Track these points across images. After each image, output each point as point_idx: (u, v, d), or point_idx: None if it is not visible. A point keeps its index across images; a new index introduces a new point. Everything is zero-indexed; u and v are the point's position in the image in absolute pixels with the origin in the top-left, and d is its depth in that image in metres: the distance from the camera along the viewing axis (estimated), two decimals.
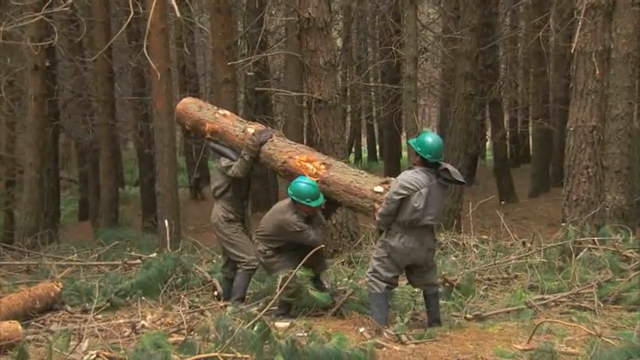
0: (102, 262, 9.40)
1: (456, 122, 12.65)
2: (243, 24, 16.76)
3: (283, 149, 6.75)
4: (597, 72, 8.33)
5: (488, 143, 24.56)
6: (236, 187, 7.00)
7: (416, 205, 5.86)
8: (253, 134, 6.83)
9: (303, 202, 6.30)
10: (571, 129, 8.61)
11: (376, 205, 6.08)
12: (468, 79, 12.55)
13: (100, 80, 14.93)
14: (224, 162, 6.99)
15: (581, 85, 8.48)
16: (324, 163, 6.55)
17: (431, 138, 6.00)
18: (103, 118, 14.94)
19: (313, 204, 6.30)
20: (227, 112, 7.36)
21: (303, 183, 6.31)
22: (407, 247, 5.98)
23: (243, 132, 6.93)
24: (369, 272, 6.15)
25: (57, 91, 15.45)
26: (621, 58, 10.14)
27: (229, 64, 11.48)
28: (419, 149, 5.95)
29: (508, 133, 20.91)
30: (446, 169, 5.93)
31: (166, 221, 9.54)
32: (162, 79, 10.49)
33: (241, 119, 7.41)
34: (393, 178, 6.24)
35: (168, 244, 8.63)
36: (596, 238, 8.03)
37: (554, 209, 10.34)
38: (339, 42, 19.21)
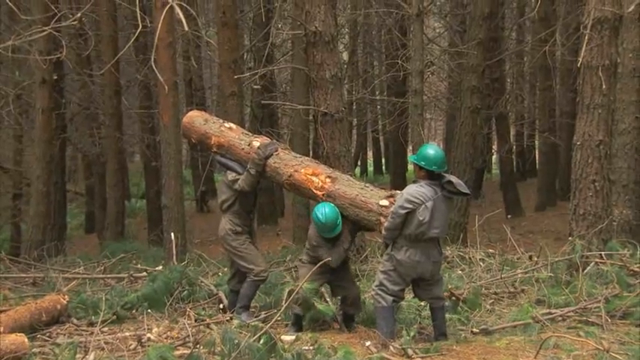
0: (108, 275, 9.41)
1: (462, 136, 12.64)
2: (249, 38, 16.85)
3: (289, 162, 6.76)
4: (604, 86, 8.32)
5: (494, 157, 24.54)
6: (243, 200, 7.00)
7: (421, 218, 5.86)
8: (259, 148, 6.84)
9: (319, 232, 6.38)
10: (578, 143, 8.59)
11: (382, 219, 6.07)
12: (474, 92, 12.55)
13: (107, 93, 15.01)
14: (230, 176, 6.99)
15: (588, 100, 8.48)
16: (329, 177, 6.55)
17: (432, 150, 6.04)
18: (110, 131, 15.00)
19: (325, 235, 6.34)
20: (232, 125, 7.37)
21: (321, 214, 6.26)
22: (413, 260, 5.97)
23: (249, 145, 6.95)
24: (376, 286, 6.13)
25: (64, 104, 15.52)
26: (628, 73, 10.13)
27: (236, 77, 11.53)
28: (423, 163, 5.96)
29: (514, 146, 20.91)
30: (450, 182, 5.94)
31: (172, 234, 9.55)
32: (169, 93, 10.54)
33: (247, 132, 7.42)
34: (398, 192, 6.23)
35: (174, 257, 8.64)
36: (603, 253, 7.99)
37: (560, 223, 10.31)
38: (345, 55, 19.27)
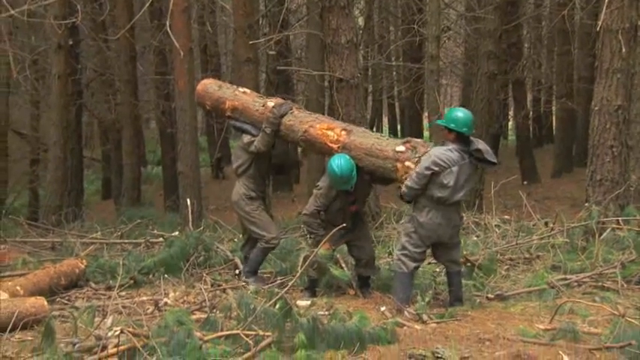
0: (125, 241, 9.50)
1: (478, 102, 12.53)
2: (265, 3, 16.69)
3: (304, 119, 6.74)
4: (624, 50, 8.20)
5: (510, 123, 24.35)
6: (258, 163, 7.01)
7: (446, 182, 5.85)
8: (274, 107, 6.83)
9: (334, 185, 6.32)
10: (596, 108, 8.50)
11: (398, 165, 6.03)
12: (491, 58, 12.41)
13: (122, 59, 14.98)
14: (246, 139, 6.99)
15: (607, 64, 8.36)
16: (344, 130, 6.51)
17: (461, 112, 6.04)
18: (125, 98, 15.01)
19: (340, 187, 6.27)
20: (247, 90, 7.39)
21: (337, 166, 6.18)
22: (434, 222, 5.97)
23: (263, 106, 6.94)
24: (399, 250, 6.15)
25: (80, 69, 15.52)
26: None
27: (251, 43, 11.44)
28: (453, 125, 5.92)
29: (531, 112, 20.69)
30: (478, 149, 5.91)
31: (188, 200, 9.60)
32: (184, 59, 10.51)
33: (261, 95, 7.43)
34: (415, 139, 6.20)
35: (190, 223, 8.69)
36: (620, 218, 7.95)
37: (577, 189, 10.25)
38: (360, 21, 19.06)
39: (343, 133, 6.44)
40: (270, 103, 6.95)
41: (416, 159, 5.95)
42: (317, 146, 6.65)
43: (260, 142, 6.84)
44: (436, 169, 5.84)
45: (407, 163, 6.00)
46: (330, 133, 6.49)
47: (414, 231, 6.05)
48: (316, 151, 7.06)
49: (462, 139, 5.94)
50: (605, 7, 8.25)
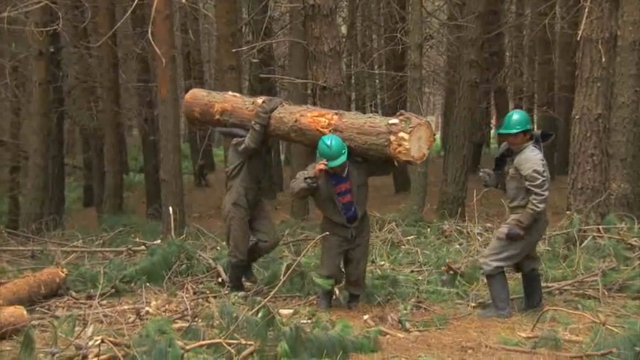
0: (106, 249, 9.44)
1: (460, 110, 12.60)
2: (248, 11, 16.70)
3: (294, 110, 6.58)
4: (603, 59, 8.28)
5: (492, 131, 24.49)
6: (250, 166, 6.83)
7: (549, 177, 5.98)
8: (263, 102, 6.69)
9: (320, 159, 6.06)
10: (576, 117, 8.57)
11: (391, 138, 5.79)
12: (473, 66, 12.49)
13: (104, 67, 14.93)
14: (234, 140, 6.86)
15: (587, 73, 8.44)
16: (336, 114, 6.32)
17: (515, 114, 6.16)
18: (107, 105, 14.95)
19: (329, 163, 5.98)
20: (237, 94, 7.34)
21: (327, 139, 5.98)
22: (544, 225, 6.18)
23: (253, 104, 6.80)
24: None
25: (61, 77, 15.45)
26: (627, 46, 10.05)
27: (234, 50, 11.47)
28: (519, 128, 5.95)
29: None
30: (542, 132, 6.13)
31: (170, 208, 9.56)
32: (167, 66, 10.49)
33: (250, 97, 7.28)
34: (406, 112, 6.07)
35: (172, 231, 8.64)
36: (600, 227, 8.02)
37: (558, 197, 10.31)
38: (343, 29, 19.10)
39: (335, 116, 6.24)
40: (260, 100, 6.84)
41: (410, 129, 5.75)
42: (308, 135, 6.37)
43: (249, 139, 6.64)
44: (545, 170, 5.91)
45: (400, 134, 5.77)
46: (321, 119, 6.28)
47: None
48: (308, 142, 6.60)
49: (530, 134, 6.04)
50: (585, 17, 8.34)
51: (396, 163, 6.02)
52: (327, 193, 6.15)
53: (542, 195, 5.84)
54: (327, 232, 6.13)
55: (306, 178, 6.06)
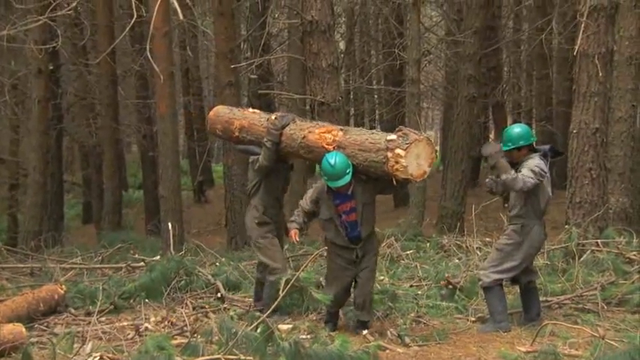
0: (105, 265, 9.42)
1: (458, 125, 12.64)
2: (246, 27, 16.77)
3: (304, 126, 6.39)
4: (600, 74, 8.33)
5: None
6: (268, 183, 6.64)
7: (548, 189, 6.01)
8: (275, 118, 6.52)
9: (324, 179, 5.91)
10: (574, 131, 8.60)
11: (389, 155, 5.57)
12: (471, 81, 12.54)
13: (103, 83, 14.97)
14: (251, 158, 6.73)
15: (584, 88, 8.48)
16: (341, 130, 6.14)
17: (518, 127, 6.19)
18: (106, 122, 14.97)
19: (330, 184, 5.83)
20: (256, 110, 7.21)
21: (331, 158, 5.79)
22: (541, 238, 6.16)
23: (267, 120, 6.62)
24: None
25: (60, 94, 15.49)
26: (624, 60, 10.12)
27: (232, 67, 11.51)
28: (522, 142, 5.99)
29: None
30: (552, 147, 6.14)
31: (170, 224, 9.54)
32: (166, 83, 10.53)
33: (267, 114, 7.04)
34: (405, 127, 5.87)
35: (171, 247, 8.64)
36: (599, 241, 8.02)
37: (557, 212, 10.31)
38: (342, 45, 19.21)
39: (340, 133, 6.06)
40: (273, 116, 6.68)
41: (406, 145, 5.52)
42: (315, 152, 6.15)
43: (262, 157, 6.46)
44: (542, 179, 5.90)
45: (397, 151, 5.55)
46: (327, 135, 6.10)
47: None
48: (315, 159, 6.33)
49: (533, 149, 6.04)
50: (581, 33, 8.39)
51: (394, 181, 5.71)
52: (328, 214, 5.97)
53: (520, 181, 5.78)
54: (331, 252, 6.04)
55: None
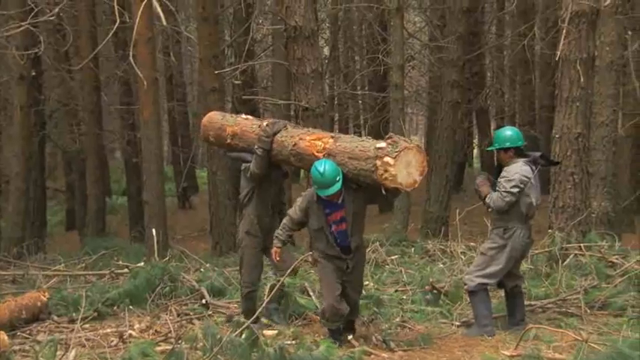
0: (89, 272, 9.36)
1: (442, 130, 12.70)
2: (230, 33, 16.77)
3: (295, 133, 6.22)
4: (582, 79, 8.40)
5: (475, 151, 24.66)
6: (261, 192, 6.48)
7: (531, 194, 6.01)
8: (267, 125, 6.35)
9: (313, 187, 5.76)
10: (557, 136, 8.66)
11: (377, 163, 5.42)
12: (455, 87, 12.61)
13: (86, 90, 14.89)
14: (243, 165, 6.57)
15: (567, 93, 8.55)
16: (332, 137, 5.99)
17: (509, 130, 6.26)
18: (89, 128, 14.89)
19: (320, 192, 5.67)
20: (249, 116, 7.01)
21: (320, 166, 5.63)
22: (525, 242, 6.14)
23: (259, 127, 6.45)
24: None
25: (43, 100, 15.37)
26: (605, 66, 10.24)
27: (216, 72, 11.50)
28: (508, 144, 6.06)
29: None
30: (543, 155, 6.18)
31: (154, 230, 9.51)
32: (149, 89, 10.50)
33: (259, 120, 6.92)
34: (397, 135, 5.75)
35: (155, 253, 8.59)
36: (582, 245, 8.07)
37: (540, 216, 10.32)
38: (326, 50, 19.25)
39: (330, 140, 5.91)
40: (265, 122, 6.49)
41: (395, 153, 5.39)
42: (306, 160, 6.00)
43: (253, 165, 6.31)
44: (522, 186, 5.93)
45: (386, 159, 5.40)
46: (318, 143, 5.95)
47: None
48: (306, 167, 6.18)
49: (521, 153, 6.07)
50: (563, 38, 8.46)
51: (383, 190, 5.54)
52: (318, 224, 5.80)
53: (499, 200, 5.92)
54: (321, 261, 5.87)
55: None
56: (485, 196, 6.05)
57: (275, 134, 6.26)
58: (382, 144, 5.52)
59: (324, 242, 5.80)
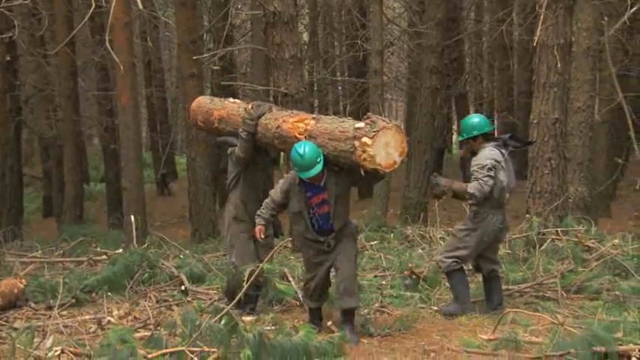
0: (67, 259, 9.29)
1: (421, 116, 12.74)
2: (208, 18, 16.67)
3: (278, 116, 6.11)
4: (559, 65, 8.44)
5: (454, 137, 24.73)
6: (248, 176, 6.40)
7: (502, 179, 6.04)
8: (251, 108, 6.26)
9: (295, 170, 5.65)
10: (534, 122, 8.71)
11: (356, 143, 5.30)
12: (434, 72, 12.64)
13: (62, 75, 14.71)
14: (229, 150, 6.47)
15: (544, 78, 8.59)
16: (314, 118, 5.88)
17: (476, 117, 6.30)
18: (66, 114, 14.73)
19: (301, 175, 5.56)
20: (237, 100, 6.97)
21: (300, 148, 5.52)
22: (497, 227, 6.19)
23: (245, 110, 6.35)
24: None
25: (19, 86, 15.19)
26: (582, 52, 10.30)
27: (195, 58, 11.42)
28: (476, 132, 6.12)
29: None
30: (512, 136, 6.22)
31: (132, 217, 9.47)
32: (127, 74, 10.41)
33: (247, 103, 6.74)
34: (374, 115, 5.64)
35: (134, 240, 8.55)
36: (559, 229, 8.14)
37: (518, 201, 10.44)
38: (305, 36, 19.17)
39: (312, 122, 5.80)
40: (250, 105, 6.38)
41: (373, 133, 5.27)
42: (288, 142, 5.87)
43: (238, 148, 6.23)
44: (494, 171, 5.98)
45: (363, 139, 5.28)
46: (300, 124, 5.83)
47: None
48: (289, 150, 5.86)
49: (489, 138, 6.11)
50: (540, 24, 8.49)
51: (362, 172, 5.45)
52: (298, 207, 5.70)
53: (482, 187, 5.96)
54: (302, 245, 5.85)
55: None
56: (466, 190, 6.04)
57: (259, 117, 6.18)
58: (361, 124, 5.42)
59: (302, 226, 5.73)
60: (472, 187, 6.00)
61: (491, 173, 5.97)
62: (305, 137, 5.71)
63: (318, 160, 5.50)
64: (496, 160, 6.01)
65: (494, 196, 6.08)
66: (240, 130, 6.21)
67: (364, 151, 5.28)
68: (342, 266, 5.70)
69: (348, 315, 5.73)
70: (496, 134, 6.44)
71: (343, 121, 5.67)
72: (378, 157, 5.29)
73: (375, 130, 5.30)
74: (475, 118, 6.27)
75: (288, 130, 5.92)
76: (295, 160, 5.53)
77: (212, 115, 6.73)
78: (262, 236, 5.86)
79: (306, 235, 5.77)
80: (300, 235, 5.86)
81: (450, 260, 6.21)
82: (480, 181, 5.97)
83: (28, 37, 15.25)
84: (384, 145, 5.31)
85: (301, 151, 5.49)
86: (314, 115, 6.09)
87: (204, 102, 7.03)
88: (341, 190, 5.70)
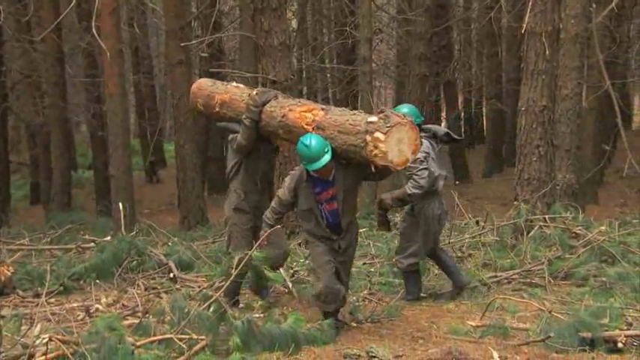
0: (54, 246, 9.25)
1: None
2: (196, 4, 16.56)
3: (285, 104, 5.89)
4: (547, 52, 8.44)
5: (443, 124, 24.76)
6: (249, 165, 6.21)
7: (432, 170, 6.08)
8: (256, 94, 6.05)
9: (302, 164, 5.46)
10: (523, 109, 8.72)
11: (367, 138, 5.09)
12: (422, 60, 12.64)
13: (49, 61, 14.57)
14: (230, 136, 6.25)
15: (532, 65, 8.59)
16: (323, 109, 5.66)
17: (405, 108, 6.24)
18: (53, 100, 14.61)
19: (309, 167, 5.37)
20: (240, 85, 6.72)
21: (307, 140, 5.32)
22: (436, 214, 6.25)
23: (249, 96, 6.14)
24: None
25: (5, 72, 15.08)
26: (570, 39, 10.30)
27: (183, 45, 11.37)
28: None
29: (462, 113, 21.14)
30: (447, 132, 6.31)
31: (120, 204, 9.43)
32: (114, 61, 10.34)
33: (250, 88, 6.60)
34: (387, 109, 5.53)
35: (122, 227, 8.53)
36: (546, 216, 8.18)
37: (507, 189, 10.52)
38: (294, 23, 19.09)
39: (321, 112, 5.58)
40: (254, 91, 6.17)
41: (387, 129, 5.03)
42: (294, 132, 5.68)
43: (241, 136, 6.03)
44: (426, 162, 6.00)
45: (376, 134, 5.05)
46: (308, 115, 5.62)
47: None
48: (294, 140, 5.70)
49: (419, 129, 5.95)
50: (529, 11, 8.49)
51: (373, 168, 5.26)
52: (307, 205, 5.51)
53: (418, 182, 6.01)
54: (312, 243, 5.65)
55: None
56: (406, 192, 6.08)
57: (264, 104, 5.96)
58: (374, 118, 5.17)
59: (312, 223, 5.55)
60: (410, 188, 6.05)
61: (425, 165, 6.01)
62: (313, 128, 5.50)
63: (326, 150, 5.30)
64: (426, 152, 6.02)
65: (427, 185, 6.08)
66: (244, 116, 6.00)
67: (376, 147, 5.06)
68: (343, 274, 5.64)
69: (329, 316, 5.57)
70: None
71: (354, 114, 5.44)
72: (390, 153, 5.06)
73: (388, 125, 5.07)
74: (405, 109, 6.10)
75: (294, 120, 5.71)
76: (302, 151, 5.33)
77: (213, 99, 6.50)
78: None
79: (317, 233, 5.57)
80: (309, 232, 5.66)
81: (407, 262, 6.35)
82: (414, 177, 6.01)
83: (14, 23, 15.10)
84: (397, 141, 5.07)
85: (307, 142, 5.29)
86: (323, 106, 5.85)
87: (205, 84, 6.77)
88: (349, 185, 5.55)
